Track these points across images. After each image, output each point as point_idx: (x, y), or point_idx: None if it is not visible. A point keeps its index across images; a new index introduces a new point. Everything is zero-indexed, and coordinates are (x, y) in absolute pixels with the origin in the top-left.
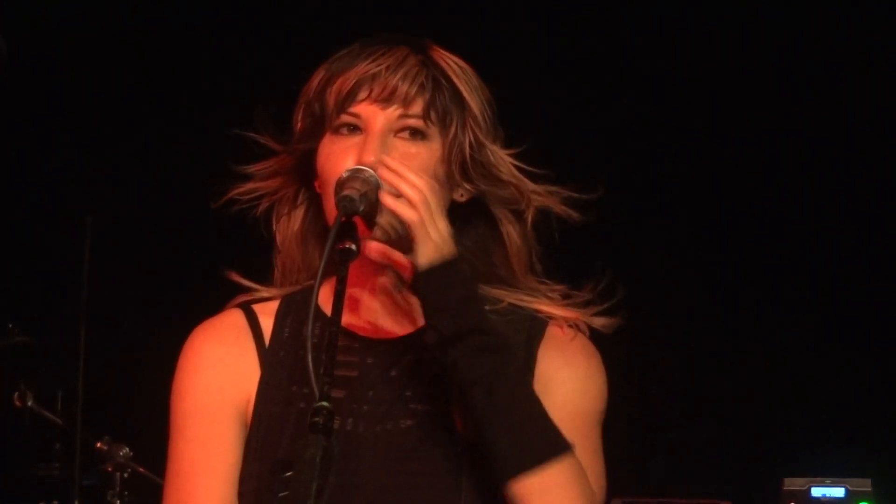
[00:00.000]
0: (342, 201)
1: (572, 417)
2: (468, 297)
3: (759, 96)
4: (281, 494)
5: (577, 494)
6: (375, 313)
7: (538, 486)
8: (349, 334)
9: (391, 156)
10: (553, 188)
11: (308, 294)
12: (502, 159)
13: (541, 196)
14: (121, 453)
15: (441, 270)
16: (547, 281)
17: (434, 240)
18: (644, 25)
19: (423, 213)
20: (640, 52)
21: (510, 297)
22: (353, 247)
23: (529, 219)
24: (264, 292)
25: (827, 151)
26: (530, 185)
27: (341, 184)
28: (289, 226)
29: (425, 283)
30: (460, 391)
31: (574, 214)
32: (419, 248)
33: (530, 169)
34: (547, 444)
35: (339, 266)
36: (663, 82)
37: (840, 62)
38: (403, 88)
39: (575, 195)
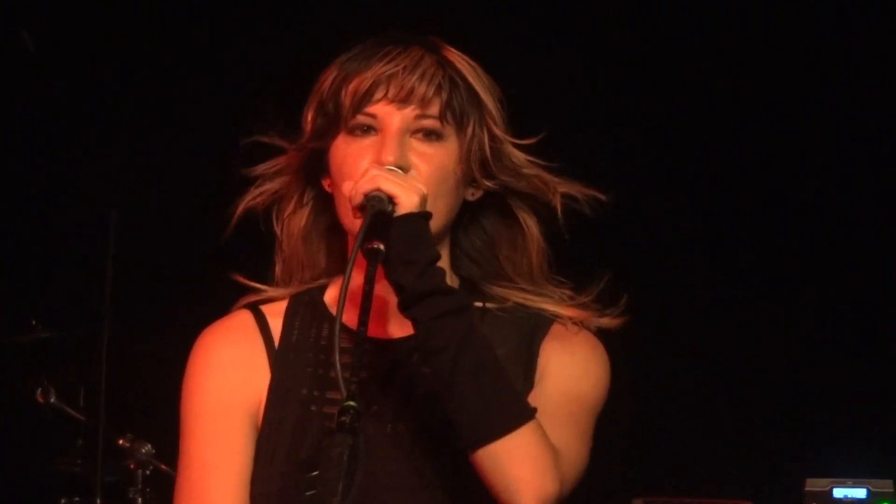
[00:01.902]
0: (371, 200)
1: (567, 400)
2: (434, 258)
3: (772, 92)
4: (308, 493)
5: (543, 458)
6: (380, 314)
7: (503, 452)
8: (354, 333)
9: (408, 156)
10: (568, 181)
11: (315, 294)
12: (520, 154)
13: (563, 186)
14: (143, 450)
15: (417, 220)
16: (557, 278)
17: (418, 193)
18: (654, 20)
19: (398, 179)
20: (645, 47)
21: (517, 296)
22: (382, 246)
23: (558, 207)
24: (271, 292)
25: (846, 146)
26: (550, 176)
27: None
28: (293, 224)
29: (400, 229)
30: (424, 355)
31: (593, 207)
32: (402, 199)
33: (543, 162)
34: (512, 412)
35: (367, 265)
36: (673, 79)
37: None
38: (421, 89)
39: (588, 191)
